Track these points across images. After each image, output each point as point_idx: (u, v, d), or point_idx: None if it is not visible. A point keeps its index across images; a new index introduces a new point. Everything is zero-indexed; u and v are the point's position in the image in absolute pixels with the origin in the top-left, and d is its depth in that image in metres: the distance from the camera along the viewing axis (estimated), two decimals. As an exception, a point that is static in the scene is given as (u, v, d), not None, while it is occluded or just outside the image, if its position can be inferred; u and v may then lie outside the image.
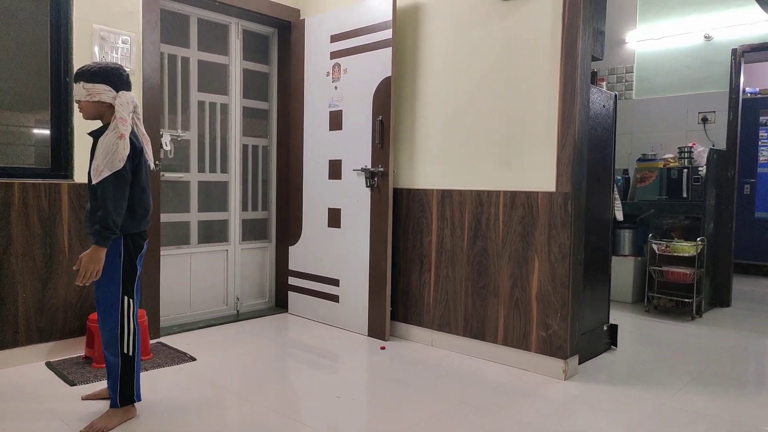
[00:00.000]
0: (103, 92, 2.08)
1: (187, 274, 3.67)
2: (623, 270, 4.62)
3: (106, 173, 2.00)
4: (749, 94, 6.12)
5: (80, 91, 2.09)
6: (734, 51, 4.68)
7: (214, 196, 3.84)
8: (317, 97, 3.80)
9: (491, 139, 3.04)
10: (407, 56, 3.43)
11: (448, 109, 3.24)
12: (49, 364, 2.79)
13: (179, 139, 3.60)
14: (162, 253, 3.39)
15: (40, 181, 2.83)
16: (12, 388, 2.48)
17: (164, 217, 3.46)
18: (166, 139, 3.48)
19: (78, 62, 2.92)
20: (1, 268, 2.71)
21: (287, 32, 4.03)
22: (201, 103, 3.73)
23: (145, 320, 2.93)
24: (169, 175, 3.54)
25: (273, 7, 3.88)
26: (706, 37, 4.88)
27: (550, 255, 2.82)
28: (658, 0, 5.05)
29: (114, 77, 2.11)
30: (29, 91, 2.89)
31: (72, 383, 2.54)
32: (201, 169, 3.75)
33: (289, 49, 4.02)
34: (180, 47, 3.61)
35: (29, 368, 2.74)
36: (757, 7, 4.42)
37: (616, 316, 3.72)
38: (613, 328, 3.33)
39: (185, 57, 3.64)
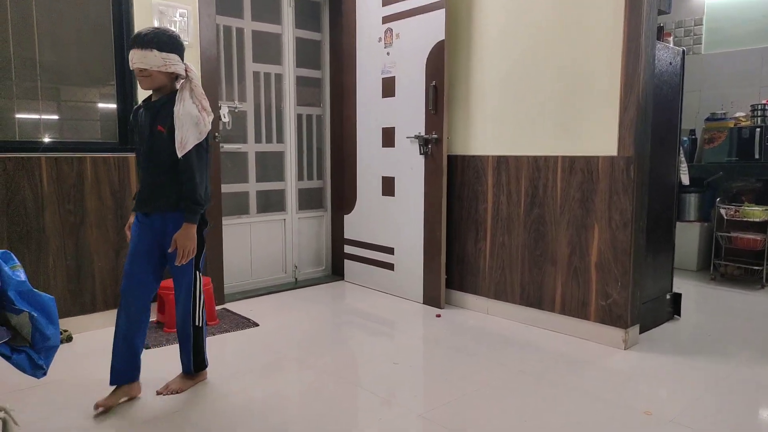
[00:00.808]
0: (177, 63, 2.02)
1: (248, 243, 3.80)
2: (688, 236, 4.45)
3: (190, 145, 1.99)
4: (834, 44, 5.63)
5: (155, 60, 1.96)
6: (818, -3, 4.30)
7: (270, 166, 3.92)
8: (369, 63, 3.77)
9: (549, 102, 2.95)
10: (461, 18, 3.34)
11: (503, 71, 3.15)
12: (124, 328, 2.98)
13: (236, 110, 3.67)
14: (224, 222, 3.51)
15: (109, 155, 2.96)
16: (92, 350, 2.67)
17: (224, 188, 3.57)
18: (224, 111, 3.56)
19: (138, 38, 2.99)
20: (78, 239, 2.88)
21: (338, -2, 3.99)
22: (256, 74, 3.78)
23: (211, 287, 3.07)
24: (228, 147, 3.63)
25: (324, -26, 3.84)
26: (786, -17, 4.50)
27: (610, 222, 2.74)
28: (733, -56, 4.68)
29: (181, 47, 2.06)
30: (94, 66, 3.00)
31: (147, 346, 2.70)
32: (258, 140, 3.82)
33: (340, 15, 3.98)
34: (234, 18, 3.65)
35: (107, 332, 2.93)
36: None
37: (680, 285, 3.60)
38: (677, 297, 3.23)
39: (240, 28, 3.67)
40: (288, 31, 3.91)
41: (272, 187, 3.93)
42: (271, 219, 3.92)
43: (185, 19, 3.17)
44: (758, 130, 4.20)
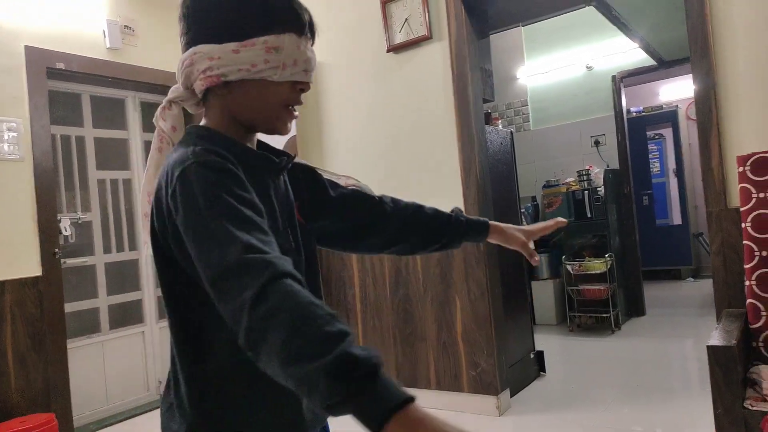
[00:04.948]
0: None
1: (101, 365, 3.43)
2: (544, 293, 4.80)
3: None
4: (634, 113, 6.64)
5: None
6: (614, 77, 5.09)
7: (125, 275, 3.66)
8: (224, 162, 3.76)
9: (402, 185, 3.11)
10: (311, 114, 3.47)
11: (356, 160, 3.30)
12: (-54, 492, 2.51)
13: (80, 221, 3.43)
14: (69, 346, 3.15)
15: None
16: None
17: (68, 307, 3.23)
18: (65, 224, 3.31)
19: (-43, 156, 2.74)
20: None
21: (187, 100, 3.98)
22: (101, 182, 3.59)
23: (55, 424, 2.70)
24: (71, 262, 3.34)
25: (170, 77, 3.83)
26: (587, 67, 5.29)
27: (469, 293, 2.89)
28: (542, 36, 5.43)
29: None
30: None
31: None
32: (107, 250, 3.57)
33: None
34: (73, 126, 3.48)
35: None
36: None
37: (542, 340, 3.84)
38: (540, 355, 3.43)
39: (80, 136, 3.50)
40: (135, 136, 3.80)
41: (127, 299, 3.65)
42: (128, 333, 3.61)
43: (15, 133, 2.97)
44: (586, 192, 4.74)
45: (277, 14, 0.86)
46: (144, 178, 0.97)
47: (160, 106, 0.96)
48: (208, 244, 0.73)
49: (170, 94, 0.94)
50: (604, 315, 4.35)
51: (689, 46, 2.22)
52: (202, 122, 0.94)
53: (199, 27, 0.87)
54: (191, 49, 0.87)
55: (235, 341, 0.71)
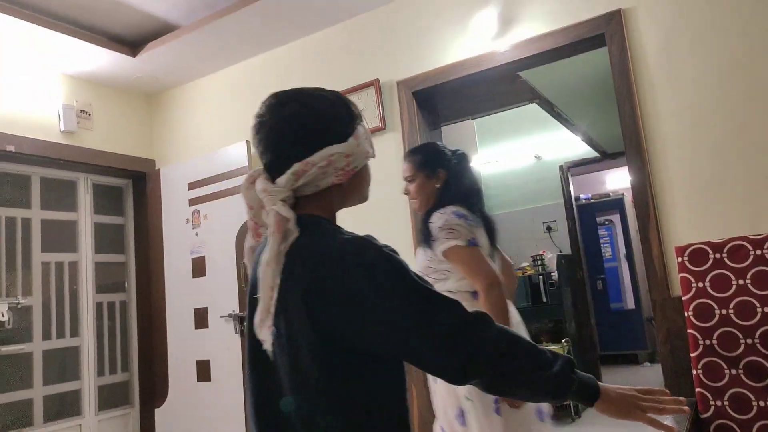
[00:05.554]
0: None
1: (29, 464, 3.16)
2: (504, 379, 4.72)
3: None
4: (584, 200, 6.91)
5: None
6: (561, 167, 5.34)
7: (65, 364, 3.45)
8: (178, 244, 3.69)
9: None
10: (266, 199, 3.48)
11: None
12: None
13: (19, 306, 3.26)
14: (-5, 443, 2.91)
15: None
16: None
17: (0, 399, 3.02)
18: (2, 309, 3.14)
19: None
20: None
21: (142, 182, 3.96)
22: (45, 264, 3.45)
23: None
24: (6, 349, 3.14)
25: (125, 160, 3.82)
26: (536, 157, 5.55)
27: (425, 381, 2.82)
28: (493, 127, 5.69)
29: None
30: None
31: None
32: (46, 336, 3.38)
33: (145, 199, 3.93)
34: (20, 208, 3.39)
35: None
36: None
37: (502, 431, 3.73)
38: (499, 446, 3.32)
39: (26, 218, 3.40)
40: (85, 218, 3.71)
41: (65, 389, 3.42)
42: (64, 427, 3.35)
43: (-45, 213, 2.87)
44: (541, 277, 4.82)
45: (357, 110, 1.09)
46: (265, 273, 0.98)
47: (276, 206, 0.99)
48: (432, 307, 0.93)
49: (280, 194, 1.00)
50: (564, 402, 4.28)
51: (624, 143, 2.36)
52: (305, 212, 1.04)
53: (320, 132, 1.00)
54: (323, 152, 0.99)
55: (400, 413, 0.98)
